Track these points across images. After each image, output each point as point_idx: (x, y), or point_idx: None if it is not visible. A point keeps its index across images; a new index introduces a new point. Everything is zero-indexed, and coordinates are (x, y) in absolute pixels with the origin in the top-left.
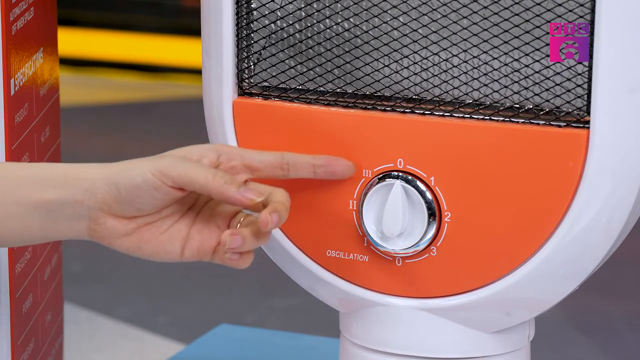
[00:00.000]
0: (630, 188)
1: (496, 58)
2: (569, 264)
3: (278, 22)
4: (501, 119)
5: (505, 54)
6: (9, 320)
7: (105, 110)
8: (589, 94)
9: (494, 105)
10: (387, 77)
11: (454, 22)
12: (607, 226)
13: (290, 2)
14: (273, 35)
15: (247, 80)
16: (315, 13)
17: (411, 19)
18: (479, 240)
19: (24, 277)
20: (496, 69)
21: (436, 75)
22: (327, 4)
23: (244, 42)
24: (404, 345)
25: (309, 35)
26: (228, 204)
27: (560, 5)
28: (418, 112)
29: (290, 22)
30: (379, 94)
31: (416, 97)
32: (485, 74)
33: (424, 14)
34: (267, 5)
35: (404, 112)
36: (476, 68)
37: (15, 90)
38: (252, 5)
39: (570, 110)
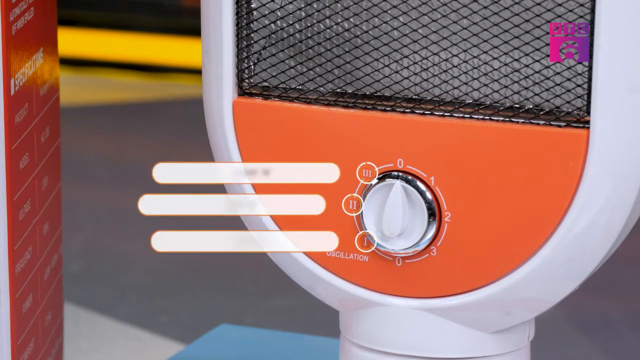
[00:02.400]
0: (630, 188)
1: (496, 58)
2: (569, 264)
3: (278, 22)
4: (501, 119)
5: (505, 54)
6: (9, 320)
7: (105, 110)
8: (589, 94)
9: (494, 105)
10: (387, 77)
11: (454, 22)
12: (607, 226)
13: (290, 2)
14: (273, 35)
15: (247, 80)
16: (315, 13)
17: (411, 19)
18: (479, 240)
19: (24, 277)
20: (496, 69)
21: (436, 75)
22: (327, 4)
23: (244, 42)
24: (404, 345)
25: (309, 35)
26: None
27: (560, 5)
28: (418, 112)
29: (290, 22)
30: (379, 94)
31: (416, 97)
32: (485, 74)
33: (424, 14)
34: (267, 5)
35: (404, 112)
36: (476, 68)
37: (15, 90)
38: (252, 5)
39: (570, 110)
